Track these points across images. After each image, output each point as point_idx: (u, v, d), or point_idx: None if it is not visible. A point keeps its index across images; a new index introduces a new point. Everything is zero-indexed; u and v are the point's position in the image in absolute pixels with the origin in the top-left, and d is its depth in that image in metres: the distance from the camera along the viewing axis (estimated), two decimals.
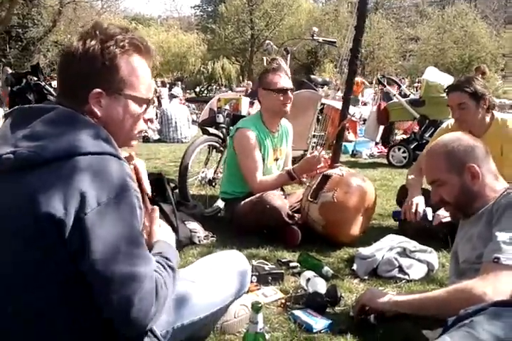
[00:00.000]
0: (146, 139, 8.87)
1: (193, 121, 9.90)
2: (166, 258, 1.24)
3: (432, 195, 1.75)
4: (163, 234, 1.38)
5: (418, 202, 2.58)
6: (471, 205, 1.66)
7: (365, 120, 7.62)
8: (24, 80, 7.53)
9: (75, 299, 1.09)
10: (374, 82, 13.36)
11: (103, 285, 1.06)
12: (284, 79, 2.97)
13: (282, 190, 3.18)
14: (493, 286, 1.38)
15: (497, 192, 1.63)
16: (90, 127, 1.14)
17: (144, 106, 1.27)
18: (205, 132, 3.48)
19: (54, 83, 11.38)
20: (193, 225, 2.80)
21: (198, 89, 30.26)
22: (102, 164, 1.09)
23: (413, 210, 2.55)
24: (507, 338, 1.09)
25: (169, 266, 1.21)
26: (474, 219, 1.66)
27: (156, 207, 1.44)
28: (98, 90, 1.18)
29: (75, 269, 1.07)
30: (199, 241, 2.74)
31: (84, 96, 1.18)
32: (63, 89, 1.24)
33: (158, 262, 1.20)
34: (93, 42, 1.18)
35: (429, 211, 2.50)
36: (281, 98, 2.93)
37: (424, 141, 5.73)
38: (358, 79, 5.19)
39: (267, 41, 4.52)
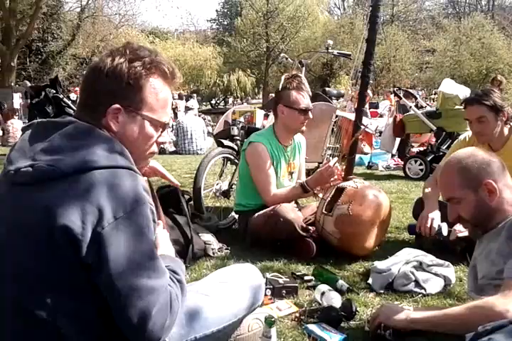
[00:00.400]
0: (161, 151, 8.94)
1: (209, 133, 9.96)
2: (174, 272, 1.24)
3: (448, 213, 1.72)
4: (166, 247, 1.39)
5: (433, 217, 2.54)
6: (490, 221, 1.63)
7: (381, 132, 7.59)
8: (43, 93, 7.65)
9: (80, 307, 1.10)
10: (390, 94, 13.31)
11: (120, 298, 1.07)
12: (307, 99, 2.99)
13: (296, 202, 3.17)
14: None
15: None
16: (105, 141, 1.17)
17: (160, 129, 1.30)
18: (220, 144, 3.49)
19: (72, 95, 11.57)
20: (207, 237, 2.80)
21: (213, 102, 30.50)
22: (117, 178, 1.11)
23: (428, 225, 2.51)
24: None
25: (177, 280, 1.22)
26: (493, 234, 1.63)
27: (160, 222, 1.44)
28: (117, 106, 1.20)
29: (84, 279, 1.08)
30: (213, 254, 2.73)
31: (103, 109, 1.21)
32: (85, 102, 1.26)
33: None
34: (121, 60, 1.21)
35: (444, 226, 2.46)
36: (302, 118, 2.95)
37: (441, 153, 5.67)
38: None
39: (282, 54, 4.54)
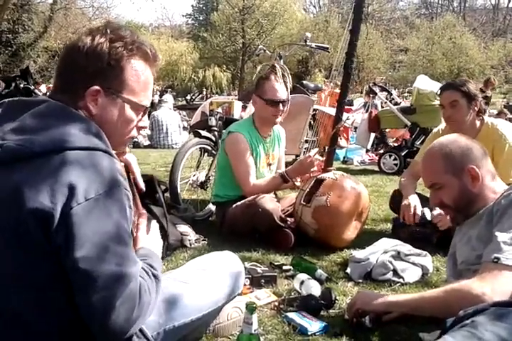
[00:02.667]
0: (136, 145, 8.81)
1: (184, 128, 9.86)
2: (151, 266, 1.19)
3: (431, 199, 1.72)
4: (148, 242, 1.33)
5: (415, 204, 2.57)
6: (471, 207, 1.63)
7: (356, 128, 7.65)
8: (13, 84, 7.47)
9: (56, 300, 1.05)
10: (364, 92, 13.43)
11: (84, 284, 1.01)
12: (279, 91, 2.88)
13: (275, 194, 3.15)
14: (492, 287, 1.35)
15: (496, 193, 1.61)
16: (81, 121, 1.12)
17: (141, 113, 1.25)
18: (197, 135, 3.43)
19: (42, 88, 11.30)
20: (184, 228, 2.76)
21: (189, 97, 30.26)
22: (91, 159, 1.06)
23: (411, 213, 2.53)
24: (511, 339, 1.07)
25: (153, 275, 1.17)
26: (473, 220, 1.63)
27: (145, 213, 1.40)
28: (97, 88, 1.15)
29: (57, 269, 1.03)
30: (190, 245, 2.69)
31: (81, 91, 1.15)
32: (61, 82, 1.20)
33: (142, 268, 1.15)
34: (102, 40, 1.16)
35: (427, 211, 2.48)
36: (273, 110, 2.88)
37: (415, 149, 5.76)
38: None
39: (260, 46, 4.50)
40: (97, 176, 1.04)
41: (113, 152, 1.14)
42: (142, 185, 1.49)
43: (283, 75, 2.95)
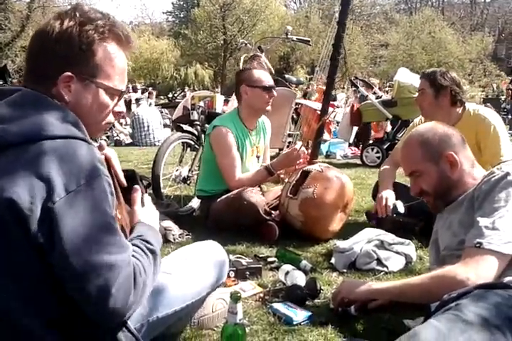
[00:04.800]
0: (118, 143, 8.72)
1: (166, 125, 9.78)
2: (146, 241, 1.18)
3: (411, 187, 1.73)
4: (145, 214, 1.32)
5: (387, 197, 2.59)
6: (451, 193, 1.65)
7: (338, 122, 7.68)
8: None
9: (44, 297, 1.03)
10: (346, 87, 13.47)
11: (77, 276, 0.99)
12: (269, 78, 2.96)
13: (260, 187, 3.14)
14: (476, 272, 1.36)
15: (476, 179, 1.62)
16: (57, 110, 1.09)
17: (116, 98, 1.22)
18: (179, 129, 3.40)
19: None
20: (168, 223, 2.74)
21: (170, 95, 30.07)
22: (70, 148, 1.03)
23: (383, 204, 2.55)
24: (492, 317, 1.08)
25: (149, 250, 1.16)
26: (454, 207, 1.65)
27: (138, 187, 1.38)
28: (69, 74, 1.12)
29: (40, 264, 1.00)
30: (174, 240, 2.67)
31: (53, 78, 1.12)
32: (32, 70, 1.17)
33: (137, 246, 1.15)
34: (71, 23, 1.12)
35: (399, 204, 2.50)
36: (267, 96, 2.91)
37: (397, 141, 5.79)
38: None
39: (242, 40, 4.49)
40: (76, 166, 1.01)
41: (91, 141, 1.12)
42: (123, 180, 1.47)
43: (266, 64, 2.99)
